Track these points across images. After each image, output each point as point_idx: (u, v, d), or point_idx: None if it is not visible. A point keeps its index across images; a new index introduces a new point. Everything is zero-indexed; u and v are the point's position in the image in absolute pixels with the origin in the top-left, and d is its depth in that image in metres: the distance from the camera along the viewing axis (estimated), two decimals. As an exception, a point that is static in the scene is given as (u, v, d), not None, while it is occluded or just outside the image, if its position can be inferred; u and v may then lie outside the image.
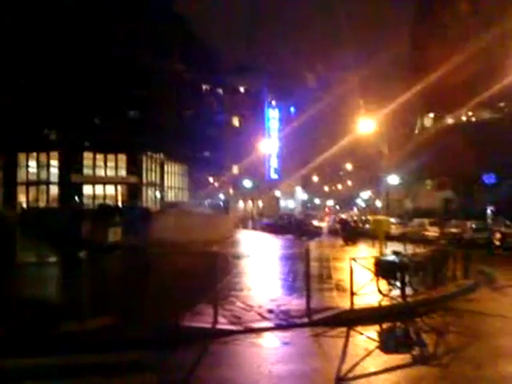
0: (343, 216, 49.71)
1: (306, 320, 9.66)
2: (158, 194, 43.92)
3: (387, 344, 8.45)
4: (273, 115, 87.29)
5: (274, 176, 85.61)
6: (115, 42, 35.90)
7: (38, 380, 6.22)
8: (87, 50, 34.76)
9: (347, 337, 8.75)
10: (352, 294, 10.18)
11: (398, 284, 10.97)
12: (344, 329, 9.13)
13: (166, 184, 45.85)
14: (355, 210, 70.45)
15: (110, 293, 9.22)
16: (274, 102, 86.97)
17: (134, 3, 38.51)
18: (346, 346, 8.23)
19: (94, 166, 40.10)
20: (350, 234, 28.68)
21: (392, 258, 11.32)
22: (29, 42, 33.39)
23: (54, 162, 39.34)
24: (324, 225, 45.44)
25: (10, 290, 9.46)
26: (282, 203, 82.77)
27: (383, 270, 11.01)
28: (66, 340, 7.29)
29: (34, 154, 39.33)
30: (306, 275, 10.39)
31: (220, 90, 62.05)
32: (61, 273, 10.22)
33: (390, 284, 11.25)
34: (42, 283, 9.78)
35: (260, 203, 73.67)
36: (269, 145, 75.03)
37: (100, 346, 7.28)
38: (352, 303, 10.14)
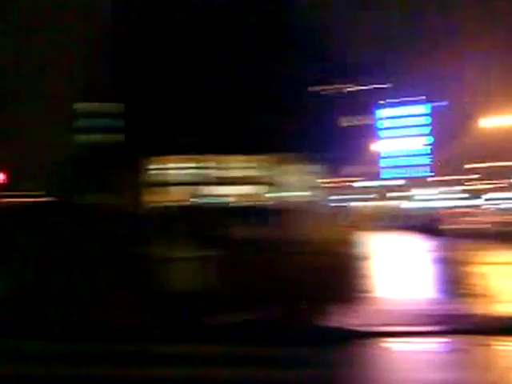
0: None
1: (449, 327, 9.04)
2: (284, 194, 44.71)
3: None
4: (391, 114, 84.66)
5: (392, 176, 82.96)
6: (243, 45, 37.01)
7: (194, 366, 6.52)
8: (217, 53, 36.12)
9: (499, 348, 8.04)
10: None
11: None
12: (496, 338, 8.39)
13: (290, 183, 46.57)
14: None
15: (251, 288, 9.52)
16: (392, 101, 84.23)
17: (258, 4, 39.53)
18: (500, 357, 7.55)
19: (222, 168, 42.06)
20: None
21: None
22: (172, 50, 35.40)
23: (187, 165, 41.89)
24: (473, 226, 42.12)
25: (154, 284, 10.16)
26: (405, 203, 79.71)
27: None
28: (218, 331, 7.64)
29: (169, 157, 42.14)
30: (448, 279, 9.77)
31: (339, 91, 61.61)
32: (204, 267, 10.72)
33: None
34: (187, 277, 10.33)
35: (381, 203, 71.82)
36: (384, 145, 73.16)
37: (246, 339, 7.51)
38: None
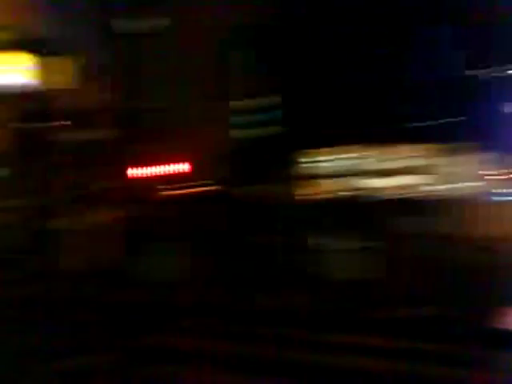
0: None
1: None
2: (448, 185, 42.63)
3: None
4: None
5: None
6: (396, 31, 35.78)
7: (362, 357, 6.60)
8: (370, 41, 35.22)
9: None
10: None
11: None
12: None
13: (454, 174, 44.20)
14: None
15: (416, 282, 9.31)
16: None
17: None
18: None
19: (380, 159, 41.43)
20: None
21: None
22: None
23: (341, 156, 42.02)
24: None
25: (315, 273, 10.44)
26: None
27: None
28: (382, 323, 7.69)
29: (323, 149, 42.60)
30: None
31: (505, 74, 56.24)
32: (366, 259, 10.74)
33: None
34: (349, 268, 10.43)
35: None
36: None
37: (411, 334, 7.43)
38: None
